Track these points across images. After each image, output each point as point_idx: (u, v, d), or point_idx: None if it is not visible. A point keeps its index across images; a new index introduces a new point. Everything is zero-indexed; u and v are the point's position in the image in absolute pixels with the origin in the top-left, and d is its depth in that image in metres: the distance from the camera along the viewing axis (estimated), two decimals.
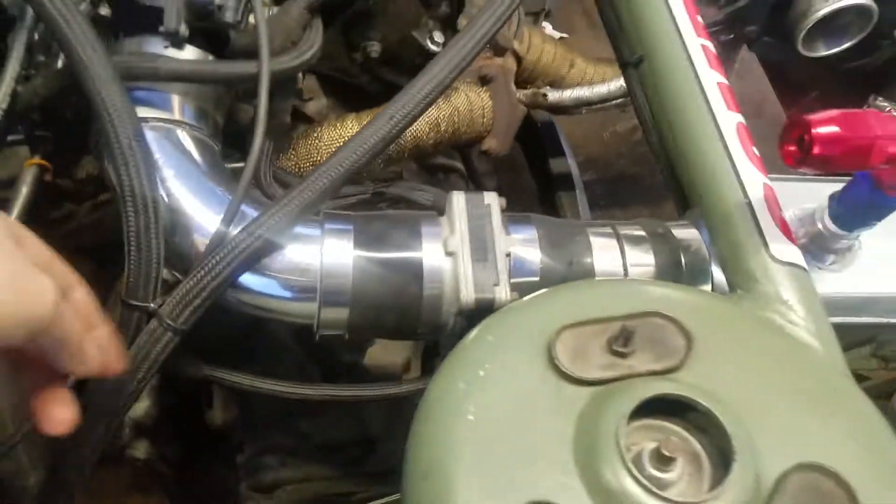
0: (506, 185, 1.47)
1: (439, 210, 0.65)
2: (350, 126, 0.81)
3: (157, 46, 0.61)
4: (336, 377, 0.84)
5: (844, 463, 0.43)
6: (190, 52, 0.62)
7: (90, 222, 0.80)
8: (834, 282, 0.61)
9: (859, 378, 0.61)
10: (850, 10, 0.92)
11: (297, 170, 0.80)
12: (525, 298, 0.54)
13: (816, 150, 0.46)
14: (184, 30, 0.60)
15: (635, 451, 0.43)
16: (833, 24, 0.95)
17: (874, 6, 0.91)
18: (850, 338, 0.64)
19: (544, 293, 0.54)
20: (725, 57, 1.08)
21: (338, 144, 0.80)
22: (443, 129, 0.83)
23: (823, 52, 0.98)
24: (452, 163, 1.00)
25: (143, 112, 0.59)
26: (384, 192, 0.74)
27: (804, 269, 0.54)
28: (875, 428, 0.46)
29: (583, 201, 1.37)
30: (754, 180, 0.56)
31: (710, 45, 0.63)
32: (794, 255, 0.54)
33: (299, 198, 0.58)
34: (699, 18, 0.64)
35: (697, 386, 0.46)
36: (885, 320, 0.60)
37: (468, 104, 0.86)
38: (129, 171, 0.53)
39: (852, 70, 1.09)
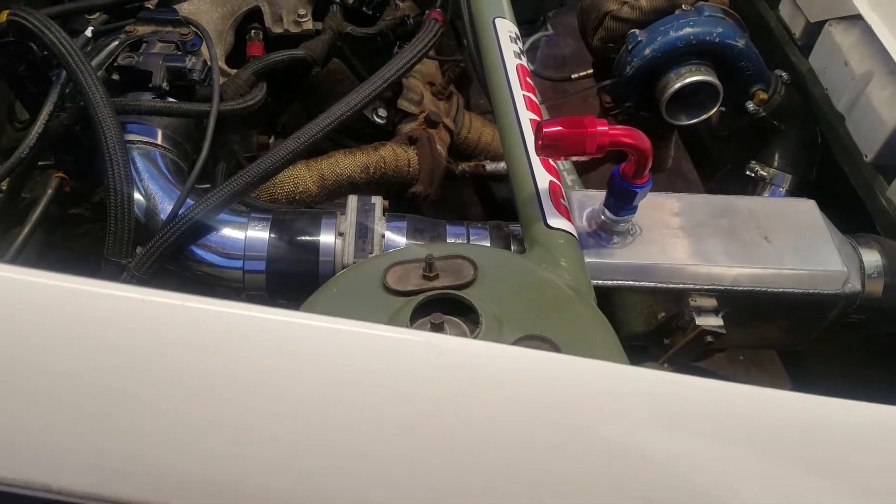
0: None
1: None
2: (300, 168, 1.08)
3: (148, 97, 0.90)
4: None
5: (555, 336, 0.62)
6: (170, 102, 0.91)
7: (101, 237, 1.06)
8: (616, 255, 0.81)
9: None
10: (700, 86, 1.16)
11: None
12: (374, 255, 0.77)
13: (546, 141, 0.69)
14: (165, 85, 0.89)
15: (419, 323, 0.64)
16: (692, 99, 1.19)
17: (719, 84, 1.15)
18: (649, 301, 0.83)
19: (386, 252, 0.76)
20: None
21: (287, 183, 1.06)
22: (371, 171, 1.09)
23: (686, 122, 1.21)
24: None
25: (133, 137, 0.87)
26: (311, 210, 0.99)
27: (570, 234, 0.75)
28: (589, 331, 0.66)
29: None
30: (543, 177, 0.79)
31: (532, 97, 0.88)
32: (564, 224, 0.76)
33: (223, 191, 0.82)
34: (528, 79, 0.90)
35: (472, 296, 0.67)
36: (657, 285, 0.80)
37: (394, 155, 1.12)
38: (112, 167, 0.79)
39: (732, 137, 1.33)
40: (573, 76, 1.51)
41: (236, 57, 1.03)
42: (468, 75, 1.43)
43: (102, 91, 0.80)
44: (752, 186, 1.29)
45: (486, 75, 0.94)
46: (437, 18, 1.04)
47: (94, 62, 0.89)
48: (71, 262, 1.05)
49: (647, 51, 1.16)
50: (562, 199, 0.78)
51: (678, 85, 1.16)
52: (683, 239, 0.83)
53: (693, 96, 1.19)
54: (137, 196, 0.83)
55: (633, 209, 0.79)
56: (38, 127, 0.85)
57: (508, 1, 1.01)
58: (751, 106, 1.20)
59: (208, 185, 0.94)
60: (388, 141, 1.16)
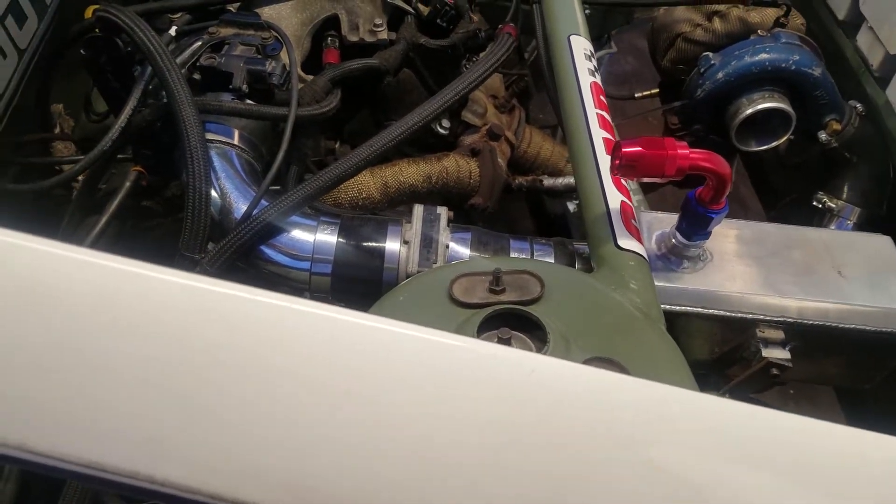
0: None
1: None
2: (365, 175, 1.09)
3: (228, 98, 0.93)
4: None
5: (623, 359, 0.61)
6: (249, 103, 0.93)
7: (172, 230, 1.10)
8: (685, 280, 0.80)
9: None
10: (772, 113, 1.14)
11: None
12: (440, 265, 0.78)
13: (625, 160, 0.69)
14: (245, 88, 0.91)
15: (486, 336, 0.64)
16: (763, 126, 1.17)
17: (792, 112, 1.13)
18: (715, 329, 0.81)
19: (453, 263, 0.77)
20: None
21: (352, 189, 1.07)
22: (433, 181, 1.10)
23: (755, 148, 1.19)
24: None
25: (212, 136, 0.90)
26: (377, 217, 1.00)
27: (641, 256, 0.74)
28: (659, 356, 0.65)
29: None
30: (614, 197, 0.78)
31: (605, 114, 0.88)
32: (635, 246, 0.75)
33: (295, 195, 0.84)
34: (602, 97, 0.90)
35: (539, 313, 0.66)
36: (725, 313, 0.78)
37: (456, 166, 1.13)
38: (193, 165, 0.81)
39: (799, 166, 1.30)
40: (637, 95, 1.50)
41: (312, 62, 1.05)
42: (530, 90, 1.43)
43: (187, 90, 0.83)
44: (818, 218, 1.25)
45: (558, 92, 0.94)
46: (511, 33, 1.05)
47: (178, 61, 0.92)
48: (141, 253, 1.09)
49: (720, 74, 1.15)
50: (633, 220, 0.78)
51: (750, 111, 1.14)
52: (755, 268, 0.82)
53: (764, 123, 1.17)
54: (213, 194, 0.85)
55: (707, 235, 0.78)
56: (121, 121, 0.88)
57: (584, 18, 1.01)
58: (823, 136, 1.17)
59: (279, 187, 0.96)
60: (451, 152, 1.17)
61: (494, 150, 1.20)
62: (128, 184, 0.92)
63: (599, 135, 0.85)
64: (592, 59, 0.95)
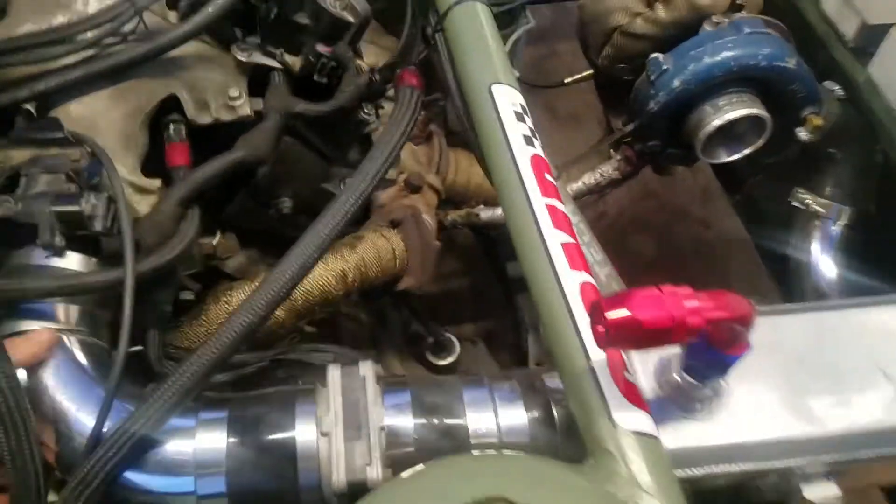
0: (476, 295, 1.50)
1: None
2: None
3: (41, 257, 0.66)
4: None
5: None
6: (72, 259, 0.66)
7: None
8: (702, 432, 0.60)
9: None
10: (744, 120, 0.94)
11: (207, 335, 0.82)
12: (381, 488, 0.56)
13: (612, 332, 0.48)
14: (59, 241, 0.64)
15: None
16: (731, 132, 0.97)
17: (767, 116, 0.93)
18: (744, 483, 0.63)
19: (400, 483, 0.55)
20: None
21: None
22: (350, 279, 0.86)
23: (725, 159, 1.00)
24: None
25: (26, 325, 0.63)
26: (283, 359, 0.77)
27: (654, 438, 0.54)
28: None
29: None
30: (596, 347, 0.57)
31: (557, 204, 0.65)
32: (640, 422, 0.54)
33: (167, 393, 0.60)
34: (547, 177, 0.67)
35: None
36: (757, 466, 0.60)
37: (375, 251, 0.89)
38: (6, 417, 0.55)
39: (774, 165, 1.11)
40: (566, 80, 1.26)
41: (159, 161, 0.77)
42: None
43: None
44: (800, 220, 1.08)
45: (490, 170, 0.71)
46: (413, 85, 0.80)
47: None
48: None
49: (676, 83, 0.93)
50: (627, 374, 0.57)
51: (717, 122, 0.93)
52: (781, 388, 0.63)
53: (733, 128, 0.97)
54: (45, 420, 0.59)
55: (724, 375, 0.58)
56: None
57: (505, 57, 0.77)
58: (803, 134, 0.97)
59: (140, 348, 0.71)
60: (363, 230, 0.93)
61: (418, 212, 0.97)
62: None
63: (556, 238, 0.62)
64: (526, 118, 0.72)
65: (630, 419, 0.54)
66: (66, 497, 0.57)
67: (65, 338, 0.64)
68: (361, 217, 0.98)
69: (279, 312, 0.82)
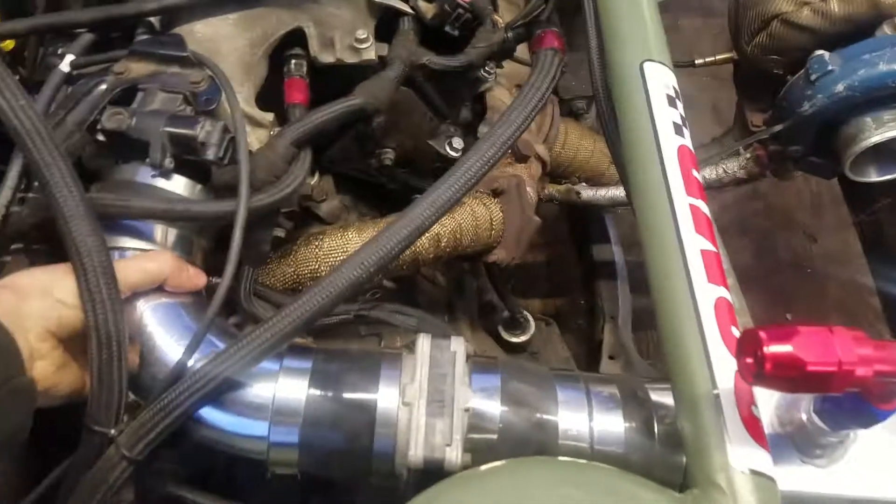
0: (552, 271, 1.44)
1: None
2: (351, 237, 0.81)
3: (147, 175, 0.64)
4: None
5: None
6: (178, 182, 0.65)
7: None
8: (819, 479, 0.54)
9: None
10: None
11: (294, 276, 0.80)
12: (459, 478, 0.52)
13: (768, 368, 0.42)
14: (168, 163, 0.62)
15: None
16: (887, 150, 0.87)
17: None
18: None
19: (479, 476, 0.51)
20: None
21: (336, 254, 0.80)
22: (443, 244, 0.82)
23: (875, 178, 0.89)
24: None
25: (123, 241, 0.62)
26: (366, 316, 0.74)
27: (770, 479, 0.48)
28: None
29: (624, 291, 1.32)
30: (726, 368, 0.51)
31: (702, 206, 0.58)
32: (759, 461, 0.48)
33: (262, 336, 0.58)
34: (694, 173, 0.60)
35: None
36: None
37: (473, 219, 0.85)
38: (94, 308, 0.55)
39: None
40: (698, 61, 1.16)
41: (273, 94, 0.74)
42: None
43: (77, 199, 0.55)
44: None
45: (626, 162, 0.64)
46: (556, 47, 0.73)
47: (71, 120, 0.63)
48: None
49: (841, 87, 0.83)
50: (754, 408, 0.51)
51: (876, 139, 0.83)
52: None
53: (890, 146, 0.86)
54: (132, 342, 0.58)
55: (866, 428, 0.51)
56: None
57: (662, 32, 0.69)
58: None
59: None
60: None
61: (522, 184, 0.91)
62: None
63: (696, 246, 0.56)
64: (677, 103, 0.65)
65: (749, 457, 0.48)
66: (144, 421, 0.56)
67: None
68: None
69: None
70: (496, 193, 0.89)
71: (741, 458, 0.48)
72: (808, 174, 1.05)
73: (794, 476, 0.54)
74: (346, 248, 0.81)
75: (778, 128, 0.90)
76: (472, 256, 0.88)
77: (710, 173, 1.04)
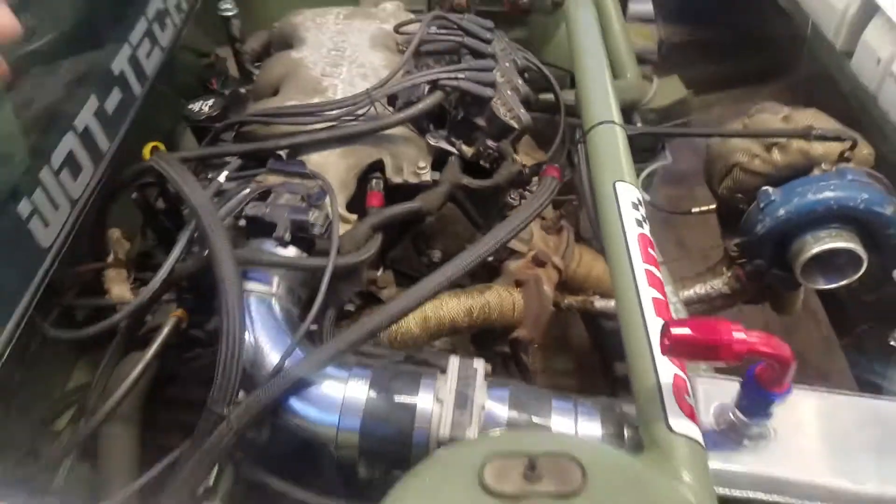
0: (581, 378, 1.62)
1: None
2: None
3: (270, 245, 0.93)
4: None
5: None
6: (291, 251, 0.93)
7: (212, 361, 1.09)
8: (745, 463, 0.71)
9: None
10: (842, 252, 1.06)
11: None
12: (471, 438, 0.73)
13: (669, 343, 0.63)
14: (287, 236, 0.91)
15: None
16: (831, 263, 1.09)
17: (862, 252, 1.05)
18: None
19: (488, 435, 0.72)
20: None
21: None
22: (475, 315, 1.07)
23: (823, 286, 1.11)
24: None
25: (251, 286, 0.89)
26: (413, 357, 0.97)
27: (697, 442, 0.67)
28: None
29: None
30: (667, 371, 0.72)
31: (655, 271, 0.83)
32: (690, 429, 0.68)
33: (325, 351, 0.82)
34: (650, 251, 0.85)
35: None
36: (787, 500, 0.69)
37: (499, 299, 1.09)
38: (228, 320, 0.81)
39: (877, 302, 1.20)
40: (694, 210, 1.45)
41: (357, 202, 1.05)
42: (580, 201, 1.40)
43: (228, 249, 0.84)
44: None
45: (604, 242, 0.90)
46: (555, 176, 1.03)
47: (225, 209, 0.94)
48: (182, 383, 1.08)
49: (781, 212, 1.09)
50: (687, 397, 0.71)
51: (815, 251, 1.07)
52: (825, 450, 0.73)
53: (833, 260, 1.09)
54: (247, 340, 0.83)
55: (769, 415, 0.71)
56: (162, 273, 0.89)
57: (630, 162, 0.99)
58: None
59: (316, 327, 0.95)
60: (493, 283, 1.14)
61: (540, 279, 1.17)
62: (167, 329, 0.92)
63: (648, 294, 0.80)
64: (640, 208, 0.92)
65: (682, 427, 0.68)
66: (249, 405, 0.79)
67: (272, 300, 0.89)
68: (491, 279, 1.19)
69: (415, 329, 1.04)
70: (518, 284, 1.14)
71: (676, 427, 0.68)
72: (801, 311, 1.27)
73: (729, 460, 0.73)
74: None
75: (736, 241, 1.14)
76: (500, 330, 1.11)
77: (700, 289, 1.28)
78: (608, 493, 0.62)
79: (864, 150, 1.16)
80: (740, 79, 2.04)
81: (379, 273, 1.14)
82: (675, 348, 0.64)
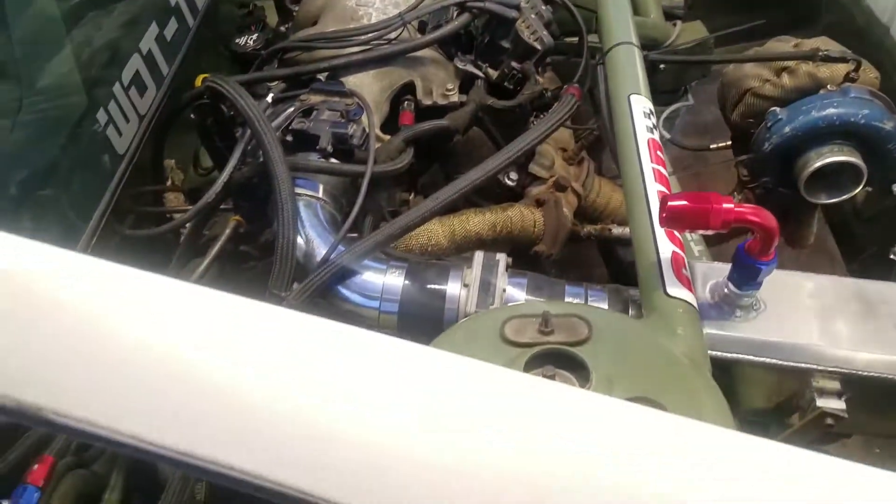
0: None
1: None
2: (434, 224, 1.17)
3: (315, 158, 1.04)
4: None
5: (665, 401, 0.65)
6: (333, 161, 1.04)
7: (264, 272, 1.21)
8: (737, 329, 0.81)
9: None
10: (842, 167, 1.13)
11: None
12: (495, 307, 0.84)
13: (670, 214, 0.73)
14: (329, 148, 1.02)
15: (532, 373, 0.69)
16: (834, 179, 1.16)
17: (860, 164, 1.11)
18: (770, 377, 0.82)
19: (507, 306, 0.82)
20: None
21: (422, 235, 1.16)
22: (498, 229, 1.17)
23: (825, 201, 1.18)
24: None
25: (300, 191, 1.01)
26: (442, 258, 1.08)
27: (690, 304, 0.77)
28: (701, 401, 0.67)
29: None
30: (666, 247, 0.82)
31: (661, 168, 0.92)
32: (684, 294, 0.78)
33: (368, 241, 0.93)
34: (659, 153, 0.94)
35: (584, 353, 0.71)
36: (779, 362, 0.79)
37: (521, 216, 1.19)
38: (283, 216, 0.92)
39: (878, 218, 1.27)
40: (711, 146, 1.52)
41: (390, 124, 1.15)
42: (602, 142, 1.48)
43: (280, 151, 0.94)
44: None
45: (617, 146, 0.99)
46: (574, 94, 1.11)
47: (273, 125, 1.05)
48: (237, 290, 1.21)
49: (787, 129, 1.16)
50: (684, 270, 0.81)
51: (818, 164, 1.14)
52: (809, 319, 0.82)
53: (835, 176, 1.17)
54: (299, 241, 0.95)
55: (758, 285, 0.80)
56: (223, 177, 1.01)
57: (645, 78, 1.07)
58: None
59: (356, 235, 1.06)
60: (517, 202, 1.24)
61: (559, 200, 1.26)
62: (228, 231, 1.04)
63: (654, 188, 0.89)
64: (651, 117, 1.00)
65: (677, 292, 0.78)
66: (305, 285, 0.91)
67: (318, 204, 1.00)
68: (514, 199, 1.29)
69: (441, 239, 1.15)
70: (539, 203, 1.24)
71: (672, 293, 0.78)
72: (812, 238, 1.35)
73: (722, 328, 0.82)
74: (428, 231, 1.17)
75: (745, 157, 1.22)
76: (522, 246, 1.21)
77: None
78: (610, 342, 0.73)
79: (871, 73, 1.22)
80: (764, 31, 2.08)
81: (411, 197, 1.25)
82: (672, 218, 0.74)
